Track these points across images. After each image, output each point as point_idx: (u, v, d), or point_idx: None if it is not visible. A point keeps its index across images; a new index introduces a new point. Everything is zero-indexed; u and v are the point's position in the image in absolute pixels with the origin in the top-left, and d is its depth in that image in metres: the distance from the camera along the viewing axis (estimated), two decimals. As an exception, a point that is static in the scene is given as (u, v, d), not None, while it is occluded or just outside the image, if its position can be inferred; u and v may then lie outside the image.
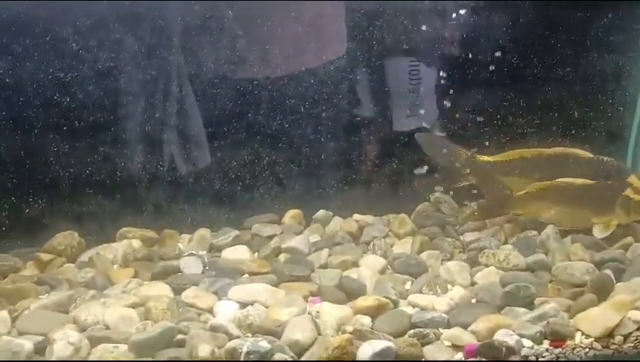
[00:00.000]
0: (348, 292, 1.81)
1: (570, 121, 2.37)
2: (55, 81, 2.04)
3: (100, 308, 1.69)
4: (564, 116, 2.36)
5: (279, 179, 2.35)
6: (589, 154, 2.11)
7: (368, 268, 1.95)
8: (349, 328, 1.62)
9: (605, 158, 2.10)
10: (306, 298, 1.78)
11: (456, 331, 1.61)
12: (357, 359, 1.51)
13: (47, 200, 2.13)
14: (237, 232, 2.19)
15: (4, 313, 1.67)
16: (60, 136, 2.08)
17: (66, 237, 2.09)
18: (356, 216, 2.28)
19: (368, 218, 2.28)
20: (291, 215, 2.30)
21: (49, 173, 2.11)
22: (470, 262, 1.96)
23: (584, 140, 2.22)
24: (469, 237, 2.11)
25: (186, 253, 2.09)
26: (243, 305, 1.74)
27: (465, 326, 1.63)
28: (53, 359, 1.49)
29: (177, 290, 1.82)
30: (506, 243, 2.07)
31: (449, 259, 2.00)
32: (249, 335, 1.58)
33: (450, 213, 2.25)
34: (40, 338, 1.57)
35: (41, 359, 1.51)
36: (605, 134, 2.39)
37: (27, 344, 1.49)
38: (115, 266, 2.03)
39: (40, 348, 1.53)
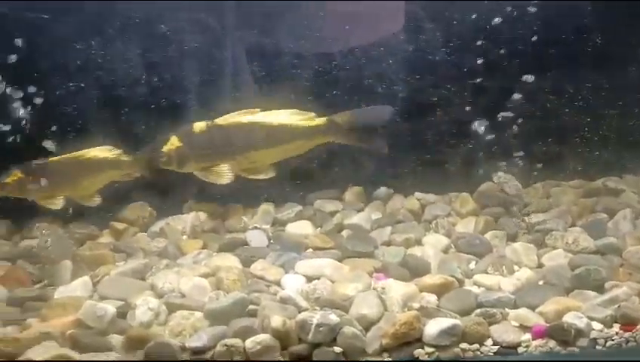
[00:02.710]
0: (412, 269, 1.82)
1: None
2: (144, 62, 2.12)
3: (175, 277, 1.77)
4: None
5: (341, 156, 2.37)
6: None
7: (432, 246, 1.96)
8: (416, 305, 1.64)
9: None
10: (370, 274, 1.81)
11: (523, 312, 1.61)
12: (424, 335, 1.54)
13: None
14: (300, 208, 2.23)
15: (87, 278, 1.78)
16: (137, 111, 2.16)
17: (137, 208, 2.19)
18: (418, 195, 2.28)
19: (430, 196, 2.28)
20: (352, 192, 2.33)
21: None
22: (536, 244, 1.94)
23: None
24: (534, 218, 2.09)
25: (251, 227, 2.15)
26: (309, 278, 1.79)
27: (532, 308, 1.63)
28: (135, 323, 1.57)
29: (246, 262, 1.88)
30: (573, 225, 2.04)
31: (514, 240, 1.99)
32: (317, 308, 1.63)
33: (515, 193, 2.22)
34: (120, 303, 1.66)
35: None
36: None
37: (110, 308, 1.58)
38: (184, 237, 2.11)
39: (121, 313, 1.61)
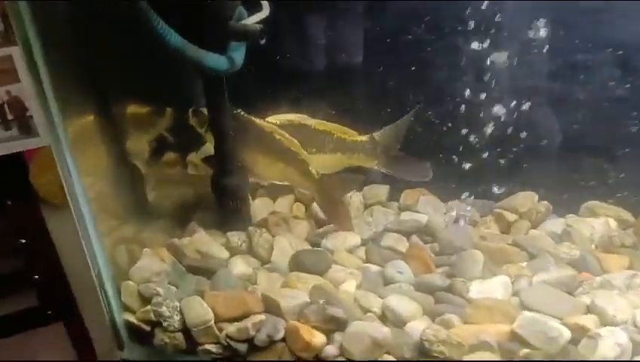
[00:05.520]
0: None
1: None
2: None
3: (625, 303, 1.33)
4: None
5: None
6: None
7: None
8: None
9: None
10: None
11: None
12: None
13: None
14: None
15: (506, 278, 1.44)
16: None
17: (527, 199, 1.79)
18: None
19: None
20: None
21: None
22: None
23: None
24: None
25: (684, 249, 1.61)
26: None
27: None
28: (596, 357, 1.18)
29: None
30: None
31: None
32: None
33: None
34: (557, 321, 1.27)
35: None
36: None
37: (565, 331, 1.21)
38: (593, 246, 1.66)
39: (574, 338, 1.23)
